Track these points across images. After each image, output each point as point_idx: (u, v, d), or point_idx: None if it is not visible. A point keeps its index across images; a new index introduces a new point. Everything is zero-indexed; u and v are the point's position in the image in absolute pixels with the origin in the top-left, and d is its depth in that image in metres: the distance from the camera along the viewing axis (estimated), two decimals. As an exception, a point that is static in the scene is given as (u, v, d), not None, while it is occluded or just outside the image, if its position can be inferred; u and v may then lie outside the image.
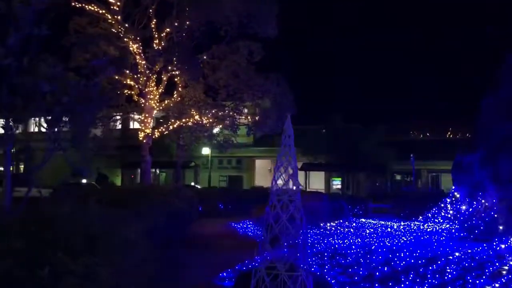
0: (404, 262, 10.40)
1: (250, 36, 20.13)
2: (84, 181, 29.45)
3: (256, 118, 20.54)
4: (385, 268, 9.89)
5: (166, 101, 20.66)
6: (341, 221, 20.24)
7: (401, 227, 16.34)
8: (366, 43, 70.06)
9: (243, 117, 20.75)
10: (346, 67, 66.09)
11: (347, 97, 59.52)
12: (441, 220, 15.06)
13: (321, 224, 18.27)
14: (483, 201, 12.22)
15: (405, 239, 13.13)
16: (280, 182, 6.90)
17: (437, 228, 14.29)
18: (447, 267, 9.75)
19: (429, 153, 40.48)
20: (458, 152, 14.10)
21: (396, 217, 20.94)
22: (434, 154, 40.61)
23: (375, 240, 13.40)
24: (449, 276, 9.16)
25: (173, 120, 20.72)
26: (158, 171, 47.39)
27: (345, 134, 40.59)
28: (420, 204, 22.46)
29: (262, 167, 51.14)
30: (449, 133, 53.14)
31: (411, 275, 9.23)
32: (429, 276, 9.23)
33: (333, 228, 17.66)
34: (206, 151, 37.59)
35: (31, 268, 5.25)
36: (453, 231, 12.51)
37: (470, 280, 8.70)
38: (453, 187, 15.59)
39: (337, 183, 47.11)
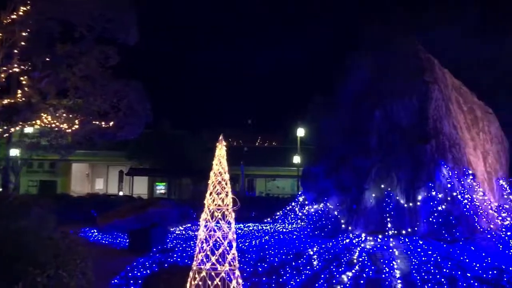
0: (277, 258, 12.22)
1: (108, 40, 19.80)
2: None
3: (111, 123, 20.26)
4: (265, 265, 11.53)
5: (6, 100, 18.70)
6: (189, 225, 21.34)
7: (253, 228, 18.39)
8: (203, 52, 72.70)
9: (98, 122, 20.18)
10: (179, 74, 67.32)
11: (177, 103, 60.94)
12: (292, 221, 17.70)
13: (172, 229, 19.06)
14: (328, 204, 15.04)
15: (267, 238, 15.13)
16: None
17: (292, 228, 16.82)
18: (312, 260, 11.91)
19: (245, 159, 44.47)
20: (306, 164, 16.97)
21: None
22: (250, 161, 44.55)
23: (240, 240, 15.01)
24: (317, 267, 11.29)
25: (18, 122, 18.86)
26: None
27: (172, 140, 41.72)
28: (250, 206, 25.25)
29: (80, 171, 48.54)
30: (258, 141, 59.18)
31: (288, 269, 11.06)
32: (301, 268, 11.20)
33: (190, 232, 18.72)
34: (14, 152, 33.96)
35: (5, 283, 5.23)
36: (308, 230, 15.06)
37: (334, 269, 10.93)
38: (299, 192, 18.48)
39: (160, 188, 47.75)
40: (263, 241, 14.81)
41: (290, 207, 18.45)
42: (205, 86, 68.37)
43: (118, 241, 17.08)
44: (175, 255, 13.45)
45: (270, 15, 71.06)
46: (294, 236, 15.22)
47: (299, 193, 19.38)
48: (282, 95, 68.21)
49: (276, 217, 18.78)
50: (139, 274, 11.15)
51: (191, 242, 15.83)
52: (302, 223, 16.47)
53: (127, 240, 16.17)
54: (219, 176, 8.43)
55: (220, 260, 7.89)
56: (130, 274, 10.89)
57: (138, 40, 20.43)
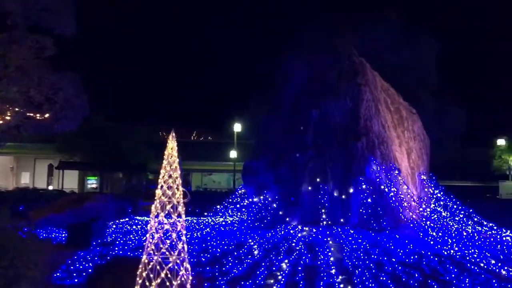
0: (219, 249, 12.75)
1: (45, 31, 19.10)
2: None
3: (46, 116, 19.60)
4: (207, 255, 12.03)
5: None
6: (126, 219, 21.29)
7: (193, 221, 18.69)
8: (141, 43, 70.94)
9: (32, 114, 19.43)
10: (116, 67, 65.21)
11: (110, 95, 59.17)
12: (232, 214, 18.23)
13: (109, 223, 18.94)
14: (267, 196, 15.79)
15: (208, 231, 15.60)
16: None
17: (232, 220, 17.40)
18: (253, 250, 12.56)
19: (182, 154, 44.10)
20: (247, 158, 17.66)
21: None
22: (186, 155, 44.07)
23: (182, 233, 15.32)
24: (258, 256, 11.96)
25: None
26: None
27: (105, 132, 40.71)
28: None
29: (3, 165, 46.23)
30: (194, 136, 59.23)
31: (230, 258, 11.64)
32: (243, 257, 11.82)
33: (128, 226, 18.74)
34: None
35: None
36: (249, 222, 15.68)
37: (273, 258, 11.66)
38: (240, 186, 19.13)
39: (92, 182, 46.49)
40: (204, 233, 15.26)
41: (230, 200, 19.02)
42: (140, 79, 67.06)
43: (53, 235, 16.75)
44: (116, 248, 13.59)
45: (210, 6, 71.13)
46: (235, 228, 15.82)
47: (240, 186, 20.05)
48: (218, 90, 68.62)
49: (216, 210, 19.27)
50: (81, 267, 11.24)
51: (131, 236, 16.02)
52: (242, 216, 17.09)
53: (64, 235, 15.93)
54: (170, 169, 8.80)
55: (167, 251, 8.27)
56: (72, 267, 10.95)
57: (75, 31, 19.94)
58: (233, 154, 38.72)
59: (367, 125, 16.05)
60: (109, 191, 41.39)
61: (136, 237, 15.69)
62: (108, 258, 11.85)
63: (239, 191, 18.85)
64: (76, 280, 10.26)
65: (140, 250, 13.37)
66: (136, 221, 20.46)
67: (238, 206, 17.72)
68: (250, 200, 16.06)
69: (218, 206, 19.31)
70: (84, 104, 20.24)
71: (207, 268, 10.83)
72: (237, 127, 38.19)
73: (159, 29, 75.03)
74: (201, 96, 68.72)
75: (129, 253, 12.77)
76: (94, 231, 15.56)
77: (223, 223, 17.13)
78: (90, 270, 10.60)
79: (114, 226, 18.62)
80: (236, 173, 39.59)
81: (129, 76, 65.53)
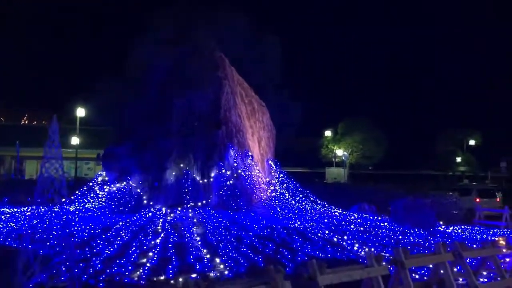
0: (86, 233, 12.89)
1: None
2: None
3: None
4: (76, 240, 12.14)
5: None
6: None
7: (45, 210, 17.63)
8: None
9: None
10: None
11: None
12: (91, 200, 17.80)
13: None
14: (130, 182, 16.09)
15: (70, 217, 15.28)
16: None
17: (90, 206, 17.12)
18: (121, 232, 12.99)
19: (13, 139, 39.86)
20: (108, 144, 17.59)
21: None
22: (14, 140, 39.62)
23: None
24: (126, 238, 12.51)
25: None
26: None
27: None
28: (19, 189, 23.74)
29: None
30: (25, 119, 54.38)
31: (99, 241, 12.02)
32: (112, 240, 12.27)
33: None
34: None
35: None
36: (113, 207, 15.70)
37: (142, 238, 12.36)
38: (99, 172, 18.84)
39: None
40: (64, 219, 14.87)
41: (86, 187, 18.53)
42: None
43: None
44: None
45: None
46: (97, 214, 15.86)
47: (98, 173, 19.79)
48: (54, 69, 63.69)
49: (71, 198, 18.53)
50: None
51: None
52: (103, 202, 16.93)
53: None
54: (51, 153, 8.93)
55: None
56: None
57: None
58: (75, 140, 36.45)
59: (226, 115, 17.49)
60: None
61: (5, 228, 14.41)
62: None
63: (98, 178, 18.64)
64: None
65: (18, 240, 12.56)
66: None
67: (98, 192, 17.55)
68: (112, 186, 16.17)
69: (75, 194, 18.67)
70: None
71: (78, 250, 11.01)
72: (81, 112, 36.04)
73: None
74: (36, 76, 62.84)
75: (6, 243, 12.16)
76: None
77: (83, 209, 16.88)
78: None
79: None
80: (78, 161, 37.56)
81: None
